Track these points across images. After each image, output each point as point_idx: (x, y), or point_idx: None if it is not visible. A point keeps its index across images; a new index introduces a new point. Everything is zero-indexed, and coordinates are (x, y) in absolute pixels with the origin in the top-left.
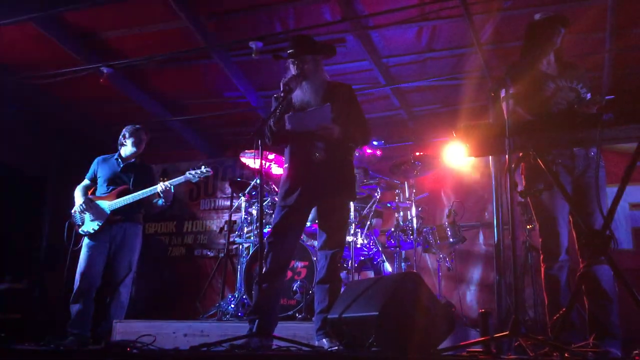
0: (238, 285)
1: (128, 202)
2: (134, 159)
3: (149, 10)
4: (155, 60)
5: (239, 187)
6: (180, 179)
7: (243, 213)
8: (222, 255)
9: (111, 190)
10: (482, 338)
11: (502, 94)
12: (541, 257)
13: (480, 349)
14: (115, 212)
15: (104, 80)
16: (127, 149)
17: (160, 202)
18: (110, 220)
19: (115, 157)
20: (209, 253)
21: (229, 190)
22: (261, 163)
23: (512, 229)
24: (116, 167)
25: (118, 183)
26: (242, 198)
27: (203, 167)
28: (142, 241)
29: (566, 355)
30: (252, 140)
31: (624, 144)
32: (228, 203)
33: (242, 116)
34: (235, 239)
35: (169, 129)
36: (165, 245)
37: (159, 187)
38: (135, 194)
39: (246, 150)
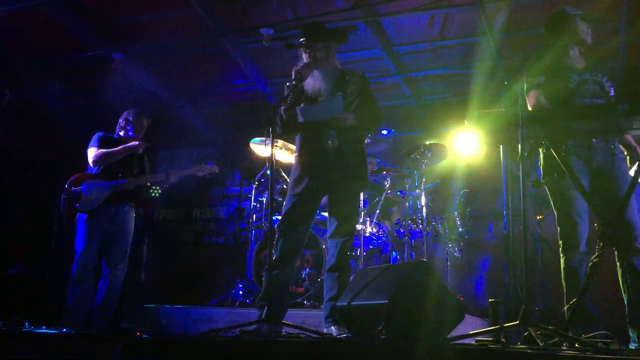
0: (247, 272)
1: (126, 186)
2: None
3: None
4: (166, 46)
5: (248, 175)
6: (188, 170)
7: (252, 200)
8: (231, 242)
9: (111, 172)
10: (492, 327)
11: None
12: (560, 247)
13: (490, 338)
14: (115, 194)
15: (115, 67)
16: (127, 133)
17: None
18: (108, 201)
19: (117, 140)
20: (217, 240)
21: (238, 177)
22: (272, 151)
23: (523, 219)
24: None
25: (119, 166)
26: (252, 185)
27: (210, 163)
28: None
29: (576, 345)
30: (262, 127)
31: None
32: (237, 190)
33: (252, 104)
34: (244, 226)
35: (179, 116)
36: (174, 231)
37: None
38: (136, 179)
39: (256, 138)
